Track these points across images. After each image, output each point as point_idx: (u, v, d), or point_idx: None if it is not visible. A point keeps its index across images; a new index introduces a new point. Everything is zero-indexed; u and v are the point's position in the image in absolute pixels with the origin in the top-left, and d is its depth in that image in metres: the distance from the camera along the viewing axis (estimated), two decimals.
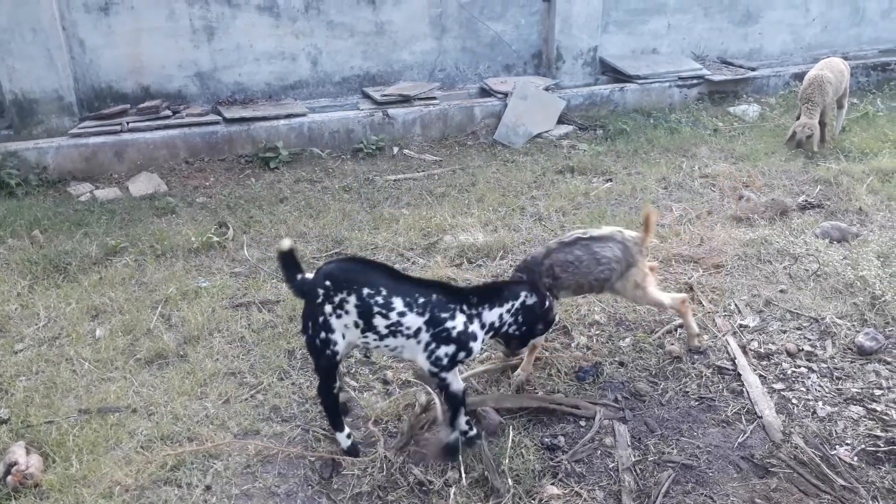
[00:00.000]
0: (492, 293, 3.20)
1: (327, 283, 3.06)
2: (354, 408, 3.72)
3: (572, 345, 4.16)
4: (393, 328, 3.06)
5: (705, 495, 3.02)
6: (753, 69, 9.37)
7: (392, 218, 5.93)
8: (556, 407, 3.54)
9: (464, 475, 3.20)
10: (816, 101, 6.97)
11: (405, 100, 8.06)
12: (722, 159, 7.14)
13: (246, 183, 6.84)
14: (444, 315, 3.06)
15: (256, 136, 7.37)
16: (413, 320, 3.06)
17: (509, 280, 3.40)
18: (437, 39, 8.63)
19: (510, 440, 3.36)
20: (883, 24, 10.60)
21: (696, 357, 3.97)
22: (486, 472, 3.19)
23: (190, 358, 4.14)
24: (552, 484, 3.14)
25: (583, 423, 3.50)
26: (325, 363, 3.17)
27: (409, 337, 3.08)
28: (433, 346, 3.08)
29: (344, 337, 3.11)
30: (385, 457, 3.34)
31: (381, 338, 3.09)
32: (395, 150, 7.66)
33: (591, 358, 4.02)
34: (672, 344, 4.07)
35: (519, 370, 3.78)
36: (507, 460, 3.26)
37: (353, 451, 3.36)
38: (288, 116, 7.56)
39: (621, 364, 3.97)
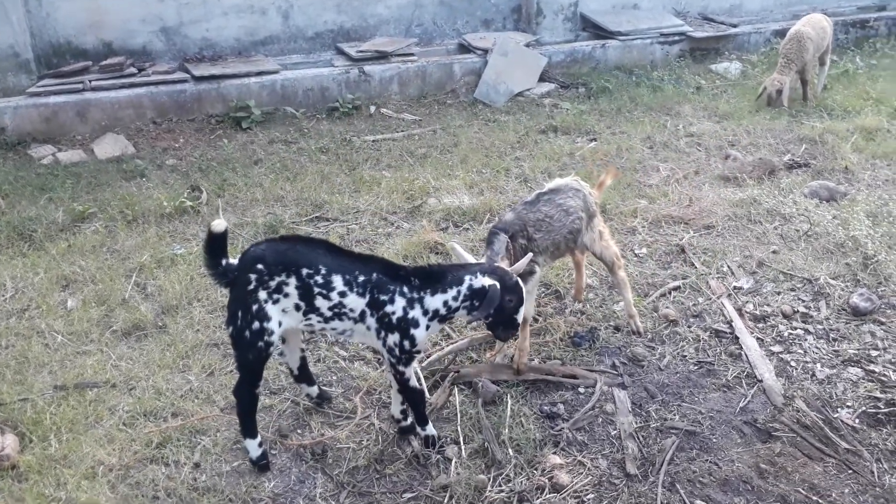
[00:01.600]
0: (434, 277, 2.87)
1: (259, 266, 2.79)
2: (345, 378, 3.60)
3: (566, 310, 4.07)
4: (336, 310, 2.83)
5: (710, 461, 2.98)
6: (735, 25, 9.24)
7: (373, 180, 5.73)
8: (552, 378, 3.45)
9: (463, 447, 3.12)
10: (793, 57, 6.91)
11: (382, 56, 7.77)
12: (706, 118, 7.04)
13: (217, 144, 6.56)
14: (383, 297, 2.82)
15: (227, 95, 7.04)
16: (355, 301, 2.82)
17: (458, 264, 3.01)
18: None
19: (508, 409, 3.27)
20: None
21: (692, 320, 3.92)
22: (486, 443, 3.11)
23: (169, 329, 3.95)
24: (554, 453, 3.07)
25: (581, 390, 3.43)
26: (255, 357, 2.85)
27: (355, 321, 2.85)
28: (383, 333, 2.85)
29: (281, 324, 2.84)
30: (381, 429, 3.24)
31: (326, 320, 2.86)
32: (373, 109, 7.41)
33: (585, 323, 3.94)
34: (667, 307, 4.01)
35: (515, 354, 3.54)
36: (506, 430, 3.17)
37: (262, 460, 3.04)
38: (259, 74, 7.23)
39: (616, 329, 3.89)
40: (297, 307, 2.84)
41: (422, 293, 2.85)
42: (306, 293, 2.81)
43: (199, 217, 5.26)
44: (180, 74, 7.12)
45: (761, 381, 3.39)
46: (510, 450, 3.08)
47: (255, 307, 2.80)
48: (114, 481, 2.99)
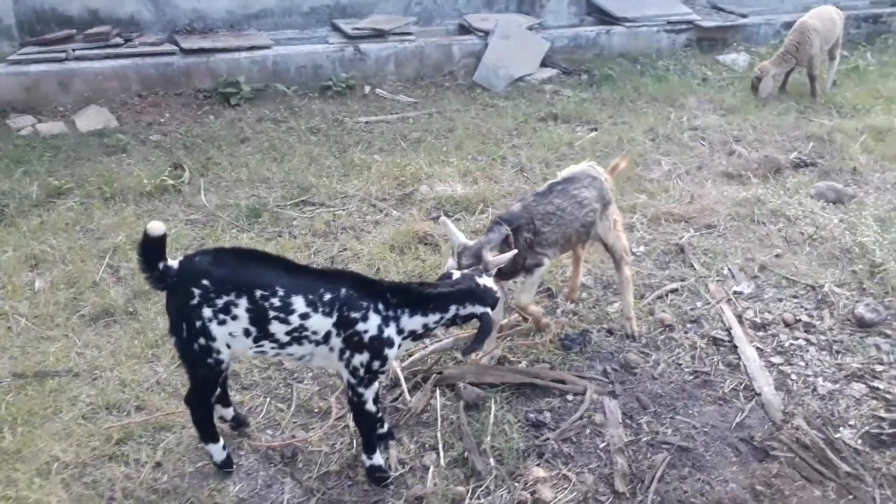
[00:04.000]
0: (416, 299, 2.65)
1: (204, 282, 2.49)
2: (320, 375, 3.40)
3: (557, 310, 3.87)
4: (295, 334, 2.55)
5: (703, 480, 2.80)
6: (744, 16, 8.98)
7: (363, 164, 5.51)
8: (540, 382, 3.27)
9: (442, 454, 2.94)
10: (792, 50, 6.71)
11: (378, 34, 7.51)
12: (711, 111, 6.82)
13: (204, 120, 6.32)
14: (354, 315, 2.56)
15: (216, 70, 6.79)
16: (319, 322, 2.54)
17: (439, 282, 2.76)
18: None
19: (492, 416, 3.09)
20: None
21: (689, 326, 3.73)
22: (466, 451, 2.93)
23: (140, 315, 3.76)
24: (537, 465, 2.90)
25: (570, 397, 3.24)
26: (205, 373, 2.60)
27: (317, 343, 2.58)
28: (348, 353, 2.60)
29: (229, 347, 2.57)
30: (355, 431, 3.05)
31: (282, 346, 2.59)
32: (367, 89, 7.16)
33: (577, 324, 3.75)
34: (663, 311, 3.82)
35: (483, 355, 3.40)
36: (488, 438, 2.99)
37: (226, 465, 2.85)
38: (251, 48, 6.98)
39: (609, 332, 3.70)
40: (247, 332, 2.54)
41: (398, 312, 2.62)
42: (259, 317, 2.51)
43: (181, 196, 5.05)
44: (168, 46, 6.86)
45: (759, 394, 3.21)
46: (491, 459, 2.90)
47: (198, 323, 2.51)
48: (68, 480, 2.81)
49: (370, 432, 2.79)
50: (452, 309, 2.66)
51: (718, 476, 2.83)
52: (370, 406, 2.72)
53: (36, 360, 3.41)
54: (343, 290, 2.57)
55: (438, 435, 3.03)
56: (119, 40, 6.80)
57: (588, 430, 3.05)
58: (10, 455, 2.89)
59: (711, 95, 7.18)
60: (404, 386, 3.27)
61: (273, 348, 2.60)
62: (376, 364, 2.63)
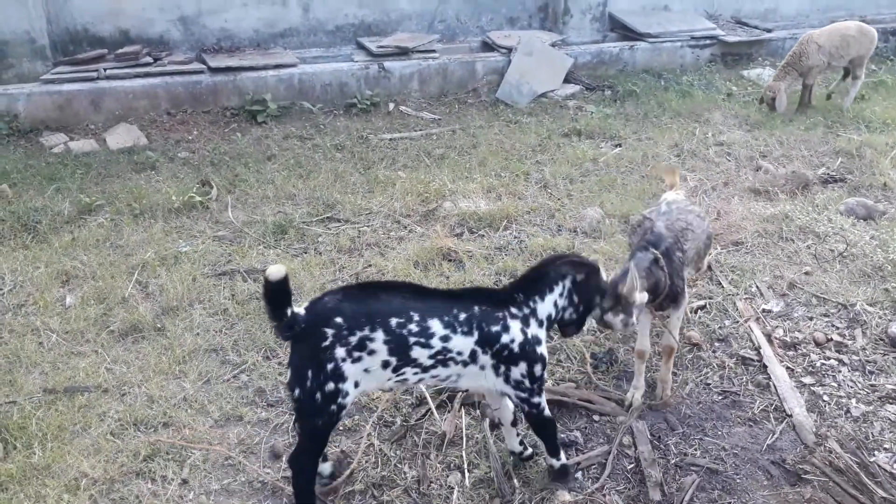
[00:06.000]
0: (537, 281, 2.66)
1: (338, 320, 2.45)
2: None
3: (583, 328, 3.84)
4: (440, 357, 2.53)
5: None
6: (769, 31, 8.91)
7: (388, 181, 5.54)
8: (567, 400, 3.24)
9: (467, 475, 2.92)
10: (791, 61, 6.72)
11: (402, 52, 7.57)
12: (736, 126, 6.76)
13: (231, 138, 6.41)
14: (495, 329, 2.55)
15: (243, 88, 6.89)
16: (462, 343, 2.53)
17: (543, 262, 2.79)
18: None
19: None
20: None
21: (717, 344, 3.68)
22: (491, 473, 2.91)
23: (168, 331, 3.80)
24: (562, 487, 2.86)
25: (596, 417, 3.21)
26: (324, 423, 2.52)
27: (465, 364, 2.57)
28: (503, 368, 2.59)
29: (357, 385, 2.52)
30: (381, 450, 3.05)
31: (425, 370, 2.55)
32: (391, 106, 7.21)
33: (603, 343, 3.72)
34: (691, 329, 3.78)
35: (658, 387, 3.27)
36: (511, 458, 2.96)
37: None
38: (277, 67, 7.08)
39: None
40: (386, 364, 2.51)
41: (531, 304, 2.63)
42: (399, 346, 2.49)
43: (208, 213, 5.11)
44: (197, 65, 6.98)
45: (791, 416, 3.15)
46: (516, 481, 2.87)
47: (329, 366, 2.45)
48: (96, 496, 2.83)
49: (553, 437, 2.78)
50: (569, 276, 2.67)
51: (749, 500, 2.77)
52: (548, 412, 2.71)
53: (66, 376, 3.46)
54: (476, 308, 2.57)
55: (464, 454, 3.01)
56: (149, 59, 6.94)
57: (615, 451, 3.00)
58: (40, 470, 2.92)
59: (737, 111, 7.12)
60: (431, 404, 3.26)
61: (416, 373, 2.57)
62: (538, 368, 2.61)
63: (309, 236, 4.77)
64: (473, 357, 2.57)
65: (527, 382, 2.61)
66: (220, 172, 5.72)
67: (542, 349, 2.63)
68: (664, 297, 2.98)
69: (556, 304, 2.67)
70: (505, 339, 2.56)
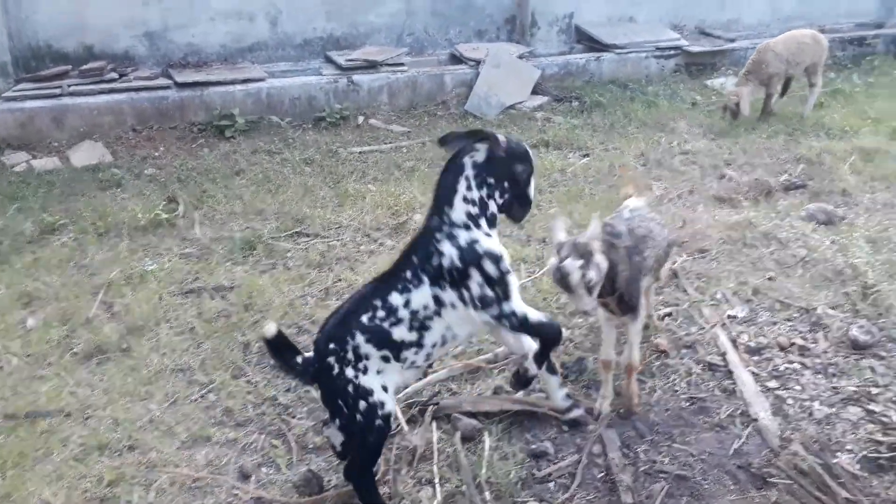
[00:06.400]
0: (439, 195, 2.58)
1: (331, 346, 2.55)
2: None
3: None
4: (416, 323, 2.55)
5: None
6: (732, 40, 9.10)
7: (357, 194, 5.54)
8: (538, 410, 3.25)
9: (439, 489, 2.91)
10: (752, 69, 6.83)
11: (371, 65, 7.60)
12: (701, 135, 6.88)
13: (199, 153, 6.36)
14: (435, 262, 2.52)
15: (210, 103, 6.85)
16: (420, 296, 2.53)
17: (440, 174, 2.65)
18: (405, 0, 8.13)
19: (487, 448, 3.06)
20: None
21: (684, 351, 3.72)
22: (463, 486, 2.90)
23: (133, 352, 3.75)
24: (533, 497, 2.86)
25: (565, 427, 3.22)
26: (376, 438, 2.57)
27: (438, 313, 2.55)
28: (461, 290, 2.52)
29: (386, 388, 2.58)
30: None
31: (418, 344, 2.58)
32: (361, 119, 7.22)
33: (572, 352, 3.75)
34: (658, 336, 3.82)
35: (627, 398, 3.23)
36: (483, 470, 2.96)
37: None
38: (245, 81, 7.05)
39: None
40: (386, 359, 2.57)
41: (444, 217, 2.54)
42: (381, 338, 2.54)
43: (175, 230, 5.06)
44: (163, 81, 6.93)
45: (756, 420, 3.19)
46: (487, 493, 2.87)
47: (350, 388, 2.54)
48: None
49: (546, 347, 2.69)
50: (466, 160, 2.55)
51: None
52: (535, 316, 2.57)
53: (28, 401, 3.39)
54: (414, 257, 2.57)
55: (435, 469, 3.00)
56: (114, 75, 6.87)
57: (584, 461, 3.02)
58: (0, 499, 2.85)
59: (701, 120, 7.25)
60: (401, 418, 3.24)
61: (416, 352, 2.59)
62: (490, 267, 2.51)
63: (278, 252, 4.74)
64: (439, 301, 2.55)
65: (488, 291, 2.51)
66: (187, 189, 5.67)
67: (484, 245, 2.51)
68: (621, 298, 2.97)
69: (469, 200, 2.53)
70: (445, 262, 2.51)
